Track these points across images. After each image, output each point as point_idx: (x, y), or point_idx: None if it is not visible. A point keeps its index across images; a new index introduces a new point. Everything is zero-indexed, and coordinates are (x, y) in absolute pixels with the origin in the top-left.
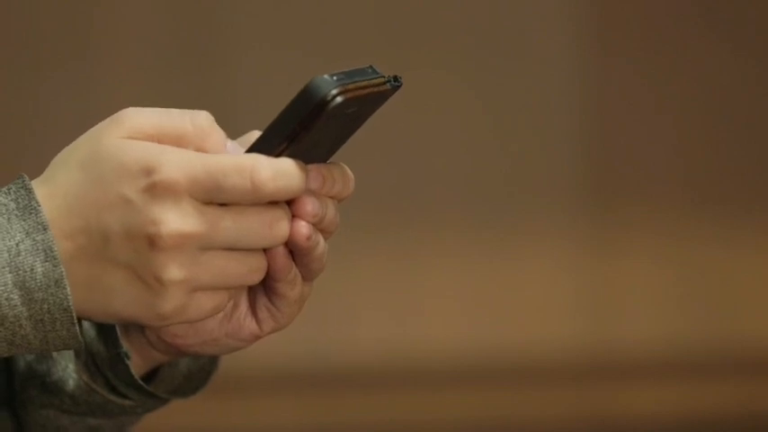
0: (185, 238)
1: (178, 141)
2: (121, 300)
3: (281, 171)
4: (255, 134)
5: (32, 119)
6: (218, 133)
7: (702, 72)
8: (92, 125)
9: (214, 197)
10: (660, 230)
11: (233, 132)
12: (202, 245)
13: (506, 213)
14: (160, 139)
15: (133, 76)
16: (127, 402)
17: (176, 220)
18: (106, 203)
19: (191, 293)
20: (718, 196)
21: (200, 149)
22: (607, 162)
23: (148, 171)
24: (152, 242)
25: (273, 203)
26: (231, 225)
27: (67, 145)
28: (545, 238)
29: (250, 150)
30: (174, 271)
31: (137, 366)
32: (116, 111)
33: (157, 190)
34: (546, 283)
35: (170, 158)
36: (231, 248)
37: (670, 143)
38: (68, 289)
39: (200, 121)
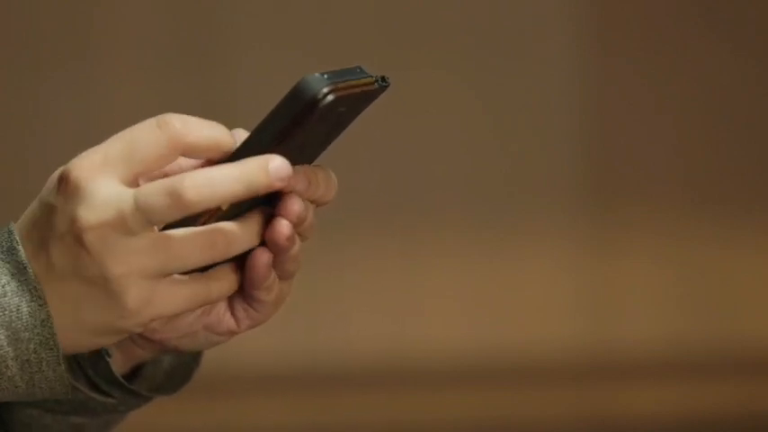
0: (102, 227)
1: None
2: (87, 311)
3: (188, 124)
4: (241, 132)
5: (33, 119)
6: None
7: (702, 72)
8: (92, 125)
9: (128, 173)
10: (660, 230)
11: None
12: (121, 230)
13: (506, 213)
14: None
15: (133, 76)
16: (109, 400)
17: (89, 212)
18: (39, 218)
19: (147, 281)
20: (718, 196)
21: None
22: (607, 162)
23: (63, 175)
24: (79, 240)
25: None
26: (131, 202)
27: (68, 146)
28: (545, 238)
29: (238, 150)
30: (110, 265)
31: (119, 364)
32: (116, 111)
33: (70, 188)
34: (546, 283)
35: (79, 158)
36: (147, 223)
37: (670, 143)
38: (54, 328)
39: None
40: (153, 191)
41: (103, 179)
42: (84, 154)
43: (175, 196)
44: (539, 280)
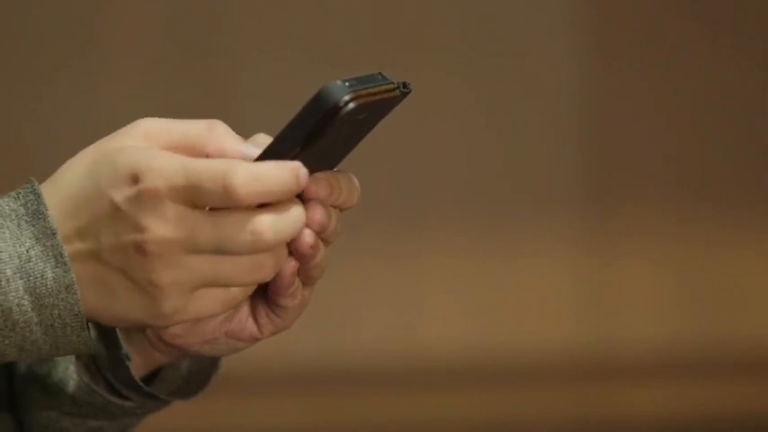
0: (169, 243)
1: (192, 148)
2: (123, 302)
3: (256, 175)
4: (262, 137)
5: (34, 119)
6: (233, 138)
7: (702, 72)
8: (93, 126)
9: (197, 202)
10: (660, 231)
11: (236, 133)
12: (187, 249)
13: (507, 214)
14: (172, 146)
15: (135, 76)
16: (127, 404)
17: (160, 226)
18: (99, 209)
19: (189, 293)
20: (718, 196)
21: (214, 154)
22: (607, 162)
23: (135, 178)
24: (139, 248)
25: (267, 208)
26: (210, 230)
27: (69, 145)
28: (545, 238)
29: (260, 158)
30: (163, 275)
31: (138, 368)
32: (118, 111)
33: (143, 197)
34: (546, 284)
35: (156, 165)
36: (219, 252)
37: (669, 143)
38: (79, 294)
39: (215, 127)
40: (231, 227)
41: (173, 201)
42: (161, 160)
43: (257, 235)
44: (539, 280)
